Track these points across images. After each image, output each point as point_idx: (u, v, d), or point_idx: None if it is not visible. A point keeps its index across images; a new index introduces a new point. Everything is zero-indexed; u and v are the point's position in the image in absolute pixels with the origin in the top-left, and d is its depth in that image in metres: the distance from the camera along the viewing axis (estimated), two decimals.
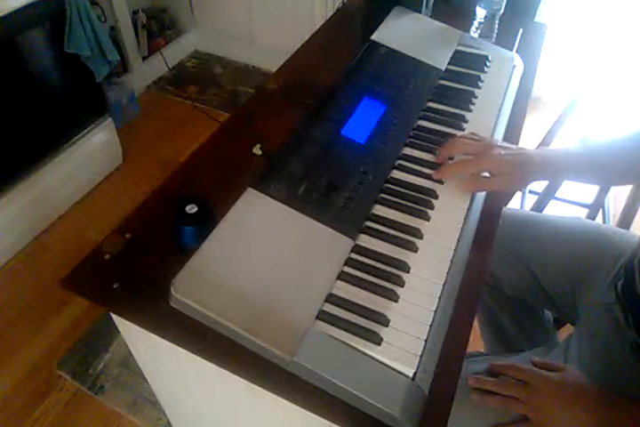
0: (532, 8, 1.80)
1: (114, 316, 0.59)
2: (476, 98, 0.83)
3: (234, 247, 0.54)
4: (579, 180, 0.72)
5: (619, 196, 1.66)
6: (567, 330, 0.97)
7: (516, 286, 0.91)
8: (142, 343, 0.68)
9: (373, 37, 0.89)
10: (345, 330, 0.50)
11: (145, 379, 0.84)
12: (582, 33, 2.05)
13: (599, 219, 1.42)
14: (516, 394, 0.63)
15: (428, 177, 0.68)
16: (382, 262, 0.57)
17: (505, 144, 0.68)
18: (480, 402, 0.65)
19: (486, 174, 0.68)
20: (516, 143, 0.82)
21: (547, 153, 0.68)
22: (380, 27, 0.91)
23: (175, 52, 2.39)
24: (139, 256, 0.61)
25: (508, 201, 1.46)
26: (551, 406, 0.61)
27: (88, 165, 1.76)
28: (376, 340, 0.50)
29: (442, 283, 0.56)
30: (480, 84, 0.86)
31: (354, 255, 0.57)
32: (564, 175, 0.72)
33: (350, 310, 0.52)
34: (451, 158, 0.70)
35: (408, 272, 0.56)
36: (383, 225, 0.61)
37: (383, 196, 0.65)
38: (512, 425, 0.65)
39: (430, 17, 1.01)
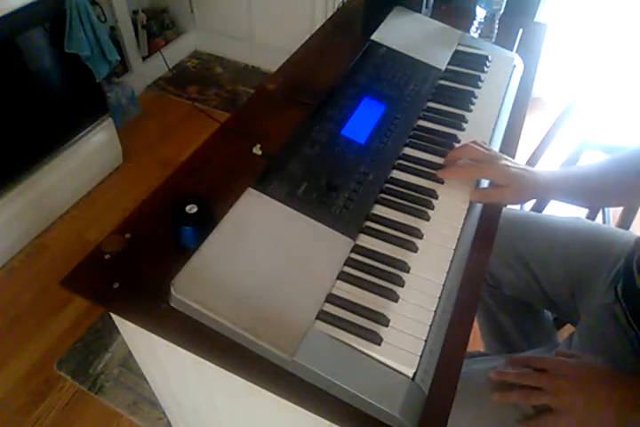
0: (532, 8, 1.80)
1: (114, 316, 0.59)
2: (475, 98, 0.83)
3: (234, 247, 0.54)
4: (574, 203, 0.75)
5: None
6: (567, 330, 0.97)
7: (515, 286, 0.91)
8: (142, 343, 0.68)
9: (373, 37, 0.89)
10: (345, 330, 0.50)
11: (145, 379, 0.84)
12: (582, 33, 2.05)
13: (599, 219, 1.42)
14: (536, 382, 0.63)
15: (429, 177, 0.68)
16: (382, 262, 0.57)
17: (512, 160, 0.69)
18: (502, 400, 0.65)
19: (484, 185, 0.69)
20: (516, 143, 0.83)
21: (549, 175, 0.68)
22: (380, 27, 0.91)
23: (175, 52, 2.39)
24: (139, 256, 0.61)
25: None
26: (571, 390, 0.61)
27: (88, 165, 1.76)
28: (376, 340, 0.50)
29: (442, 283, 0.56)
30: (480, 84, 0.86)
31: (354, 255, 0.57)
32: (561, 198, 0.74)
33: (350, 310, 0.52)
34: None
35: (408, 272, 0.57)
36: (383, 225, 0.61)
37: (383, 196, 0.65)
38: (538, 418, 0.64)
39: (430, 17, 1.01)
